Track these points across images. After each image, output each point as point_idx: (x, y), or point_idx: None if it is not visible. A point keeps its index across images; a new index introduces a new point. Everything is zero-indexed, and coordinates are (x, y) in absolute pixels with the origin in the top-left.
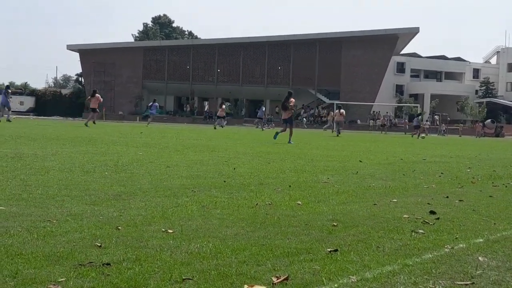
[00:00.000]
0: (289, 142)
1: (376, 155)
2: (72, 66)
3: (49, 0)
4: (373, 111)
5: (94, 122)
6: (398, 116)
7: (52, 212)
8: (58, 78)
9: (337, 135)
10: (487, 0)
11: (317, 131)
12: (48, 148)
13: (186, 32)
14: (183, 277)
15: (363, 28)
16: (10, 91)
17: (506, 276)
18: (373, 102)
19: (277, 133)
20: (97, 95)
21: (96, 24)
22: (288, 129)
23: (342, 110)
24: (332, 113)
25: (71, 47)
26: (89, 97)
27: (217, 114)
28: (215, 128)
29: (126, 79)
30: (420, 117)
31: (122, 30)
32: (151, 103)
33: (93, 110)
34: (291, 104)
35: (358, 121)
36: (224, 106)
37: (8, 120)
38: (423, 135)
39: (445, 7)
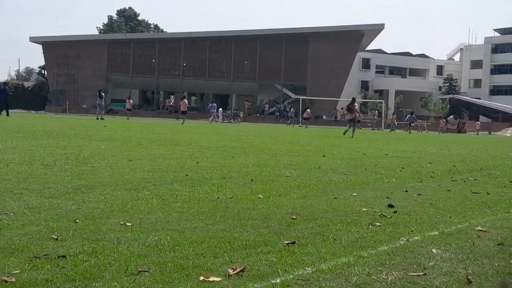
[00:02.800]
0: (352, 136)
1: (339, 150)
2: (35, 59)
3: None
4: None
5: (182, 123)
6: (363, 111)
7: (9, 205)
8: (20, 70)
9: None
10: None
11: (282, 126)
12: (8, 141)
13: (152, 25)
14: (139, 269)
15: (329, 23)
16: None
17: (457, 267)
18: (339, 98)
19: (346, 131)
20: (185, 100)
21: (60, 16)
22: (351, 127)
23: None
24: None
25: (34, 39)
26: (180, 101)
27: (304, 116)
28: (306, 127)
29: (91, 72)
30: (413, 114)
31: (87, 23)
32: (210, 104)
33: (184, 112)
34: (356, 108)
35: (324, 117)
36: (309, 110)
37: None
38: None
39: (410, 4)
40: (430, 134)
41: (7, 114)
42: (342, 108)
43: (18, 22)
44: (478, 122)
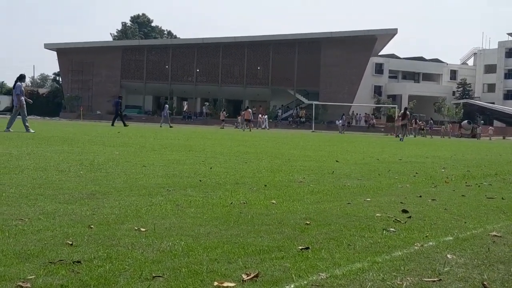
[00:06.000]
0: (401, 140)
1: (352, 155)
2: (50, 65)
3: None
4: (352, 111)
5: (250, 130)
6: (377, 116)
7: (24, 211)
8: (35, 77)
9: (397, 137)
10: (465, 2)
11: (297, 132)
12: (23, 147)
13: (165, 32)
14: (154, 275)
15: (342, 29)
16: None
17: (473, 273)
18: (352, 103)
19: (400, 138)
20: (249, 109)
21: (74, 23)
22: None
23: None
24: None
25: (48, 46)
26: (243, 111)
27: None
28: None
29: (105, 79)
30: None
31: (101, 29)
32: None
33: (248, 120)
34: (408, 116)
35: (336, 122)
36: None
37: None
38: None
39: (423, 9)
40: (438, 139)
41: (124, 124)
42: (398, 116)
43: (33, 29)
44: (492, 127)
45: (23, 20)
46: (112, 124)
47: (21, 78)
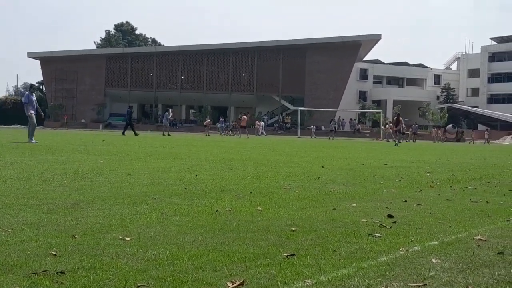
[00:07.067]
0: (395, 145)
1: (338, 160)
2: (33, 74)
3: (9, 6)
4: (339, 117)
5: (239, 136)
6: (362, 122)
7: (7, 221)
8: (18, 86)
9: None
10: (448, 7)
11: (283, 138)
12: (6, 157)
13: (149, 39)
14: (138, 284)
15: (326, 35)
16: None
17: (458, 277)
18: (337, 109)
19: (396, 143)
20: (244, 116)
21: (58, 31)
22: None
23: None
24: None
25: (32, 55)
26: (239, 117)
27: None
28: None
29: (89, 87)
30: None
31: (84, 38)
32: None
33: (244, 127)
34: (401, 121)
35: (322, 127)
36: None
37: None
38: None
39: (406, 15)
40: (425, 144)
41: (123, 133)
42: (389, 122)
43: (16, 38)
44: (487, 131)
45: (5, 28)
46: (135, 134)
47: (30, 88)
